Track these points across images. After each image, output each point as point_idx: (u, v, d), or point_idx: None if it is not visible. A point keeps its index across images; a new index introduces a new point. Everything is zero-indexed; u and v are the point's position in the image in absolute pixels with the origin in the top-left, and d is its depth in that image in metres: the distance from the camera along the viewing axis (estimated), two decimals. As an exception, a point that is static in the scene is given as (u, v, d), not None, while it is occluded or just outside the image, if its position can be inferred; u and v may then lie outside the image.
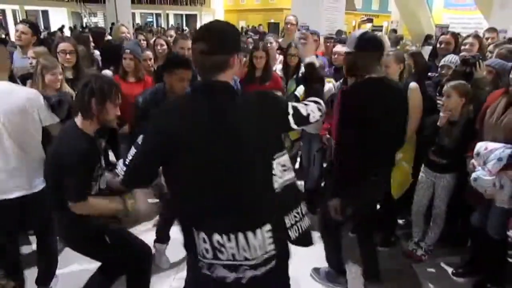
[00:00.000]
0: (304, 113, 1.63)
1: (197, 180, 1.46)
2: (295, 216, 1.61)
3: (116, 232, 2.19)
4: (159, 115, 1.54)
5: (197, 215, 1.49)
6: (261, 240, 1.48)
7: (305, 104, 1.68)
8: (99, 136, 2.23)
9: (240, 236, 1.46)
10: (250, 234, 1.46)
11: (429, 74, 3.69)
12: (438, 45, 3.88)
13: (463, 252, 3.08)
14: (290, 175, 1.59)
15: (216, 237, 1.45)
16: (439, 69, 3.33)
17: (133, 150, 1.83)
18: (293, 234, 1.60)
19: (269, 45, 4.38)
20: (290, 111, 1.59)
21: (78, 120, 2.02)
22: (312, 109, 1.66)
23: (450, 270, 3.00)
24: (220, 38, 1.43)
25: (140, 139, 1.72)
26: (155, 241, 3.01)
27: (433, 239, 3.06)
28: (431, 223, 3.06)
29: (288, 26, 5.10)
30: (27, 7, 21.88)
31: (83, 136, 2.00)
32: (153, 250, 2.91)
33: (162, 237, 3.01)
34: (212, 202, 1.46)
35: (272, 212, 1.53)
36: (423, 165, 3.02)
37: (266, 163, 1.51)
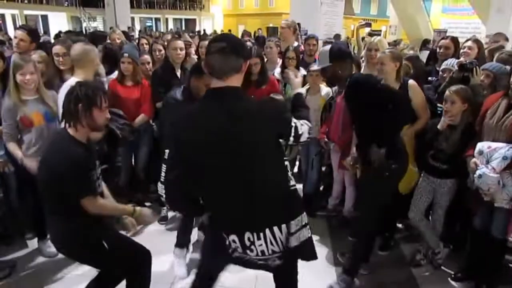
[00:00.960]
0: (299, 131, 1.75)
1: (213, 182, 1.64)
2: (297, 225, 1.70)
3: (114, 238, 2.17)
4: (174, 126, 1.73)
5: (222, 217, 1.73)
6: (285, 234, 1.66)
7: (301, 124, 1.77)
8: (98, 142, 2.25)
9: (267, 231, 1.64)
10: (276, 229, 1.65)
11: (429, 78, 3.69)
12: (438, 50, 3.88)
13: (461, 256, 3.06)
14: (292, 180, 1.76)
15: (247, 235, 1.66)
16: (440, 72, 3.32)
17: (163, 167, 1.80)
18: (293, 242, 1.69)
19: (268, 49, 4.38)
20: (293, 126, 1.72)
21: (70, 128, 2.03)
22: (304, 130, 1.76)
23: (448, 274, 2.97)
24: (238, 43, 1.65)
25: (166, 155, 1.79)
26: (176, 246, 2.95)
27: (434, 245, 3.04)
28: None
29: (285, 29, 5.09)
30: (26, 12, 21.93)
31: (75, 143, 2.00)
32: (173, 256, 2.95)
33: (182, 242, 2.96)
34: (229, 202, 1.66)
35: (287, 210, 1.70)
36: (423, 172, 3.00)
37: (272, 165, 1.66)
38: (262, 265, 1.76)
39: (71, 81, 3.00)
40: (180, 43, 3.75)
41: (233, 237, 1.68)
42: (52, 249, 2.83)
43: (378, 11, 32.29)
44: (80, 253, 2.13)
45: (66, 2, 24.99)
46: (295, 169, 4.48)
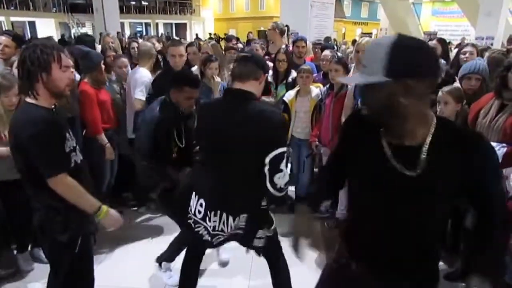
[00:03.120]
0: (279, 167, 1.79)
1: (205, 159, 2.07)
2: (261, 237, 2.04)
3: (87, 248, 1.98)
4: (200, 108, 2.28)
5: (204, 188, 2.00)
6: (237, 224, 1.97)
7: (283, 176, 1.82)
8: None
9: (224, 216, 1.94)
10: (230, 218, 1.93)
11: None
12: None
13: (453, 255, 3.03)
14: (264, 202, 2.05)
15: (210, 208, 1.96)
16: None
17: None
18: (257, 242, 2.06)
19: (255, 51, 4.34)
20: (276, 152, 1.77)
21: (28, 98, 1.78)
22: (282, 178, 1.81)
23: (442, 273, 2.93)
24: (260, 58, 2.05)
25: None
26: (163, 260, 2.81)
27: None
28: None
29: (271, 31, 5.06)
30: (13, 18, 21.68)
31: (40, 108, 1.75)
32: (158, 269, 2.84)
33: (171, 256, 2.80)
34: (209, 180, 1.96)
35: (250, 206, 1.97)
36: None
37: (249, 165, 1.84)
38: (212, 235, 2.01)
39: (141, 70, 3.66)
40: (180, 50, 3.59)
41: (201, 201, 1.98)
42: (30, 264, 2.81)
43: (369, 14, 32.57)
44: (51, 244, 1.89)
45: (54, 8, 24.77)
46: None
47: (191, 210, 2.05)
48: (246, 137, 1.78)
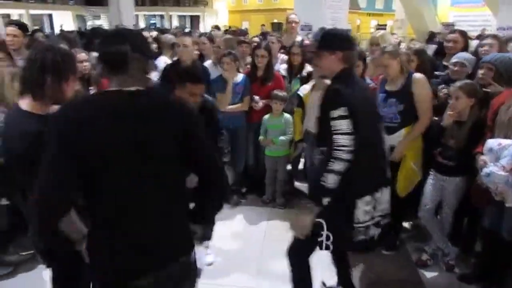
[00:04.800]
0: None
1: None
2: None
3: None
4: None
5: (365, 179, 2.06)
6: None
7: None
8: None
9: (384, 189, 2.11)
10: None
11: (436, 73, 3.61)
12: (445, 44, 3.78)
13: (470, 257, 2.99)
14: None
15: None
16: (451, 66, 3.21)
17: None
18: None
19: (270, 44, 4.32)
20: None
21: (25, 101, 1.66)
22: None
23: (456, 275, 2.89)
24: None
25: None
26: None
27: (440, 243, 2.96)
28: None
29: (293, 24, 5.03)
30: (32, 11, 22.04)
31: (34, 118, 1.62)
32: None
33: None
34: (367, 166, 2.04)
35: None
36: (432, 169, 2.92)
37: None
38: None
39: (161, 58, 4.30)
40: (184, 40, 3.69)
41: (366, 198, 2.01)
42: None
43: (384, 5, 31.97)
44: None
45: (71, 1, 25.07)
46: (300, 166, 4.43)
47: (356, 219, 2.00)
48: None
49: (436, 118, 2.92)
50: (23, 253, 2.90)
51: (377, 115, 2.25)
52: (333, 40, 2.06)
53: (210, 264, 3.00)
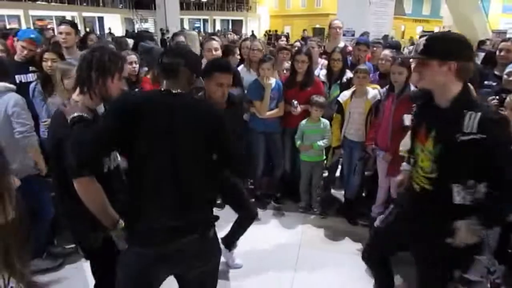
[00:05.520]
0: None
1: None
2: None
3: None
4: None
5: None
6: None
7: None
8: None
9: None
10: None
11: (485, 82, 3.46)
12: (497, 53, 3.62)
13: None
14: None
15: None
16: (504, 76, 3.07)
17: None
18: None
19: (311, 49, 4.31)
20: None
21: (75, 94, 1.83)
22: None
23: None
24: None
25: None
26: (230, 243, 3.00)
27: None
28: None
29: (337, 30, 4.98)
30: (84, 14, 23.25)
31: (83, 109, 1.76)
32: None
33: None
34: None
35: None
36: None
37: None
38: None
39: None
40: (214, 44, 3.75)
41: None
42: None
43: (431, 11, 30.91)
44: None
45: (121, 5, 26.22)
46: (337, 173, 4.38)
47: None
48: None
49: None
50: (67, 247, 3.05)
51: None
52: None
53: (239, 267, 3.03)
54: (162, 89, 1.67)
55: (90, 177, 1.67)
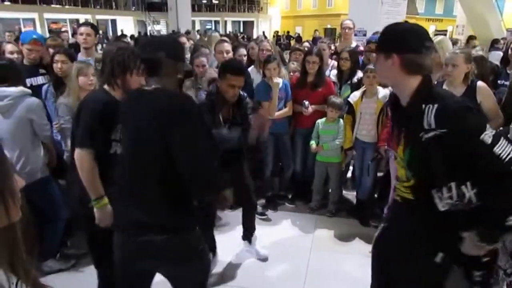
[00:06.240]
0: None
1: None
2: None
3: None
4: None
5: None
6: None
7: None
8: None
9: None
10: None
11: (498, 81, 3.40)
12: (510, 52, 3.56)
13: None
14: None
15: None
16: None
17: None
18: None
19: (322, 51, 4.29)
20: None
21: (106, 86, 2.11)
22: None
23: None
24: None
25: None
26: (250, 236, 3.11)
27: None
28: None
29: (346, 30, 4.96)
30: (98, 17, 23.58)
31: (110, 95, 2.05)
32: None
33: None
34: None
35: None
36: None
37: None
38: None
39: None
40: (226, 46, 3.77)
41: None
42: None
43: (444, 10, 30.54)
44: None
45: (133, 7, 26.52)
46: (349, 174, 4.35)
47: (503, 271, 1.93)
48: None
49: (501, 129, 2.75)
50: (79, 252, 3.03)
51: None
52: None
53: (265, 257, 3.11)
54: (144, 87, 1.68)
55: (89, 151, 1.94)
